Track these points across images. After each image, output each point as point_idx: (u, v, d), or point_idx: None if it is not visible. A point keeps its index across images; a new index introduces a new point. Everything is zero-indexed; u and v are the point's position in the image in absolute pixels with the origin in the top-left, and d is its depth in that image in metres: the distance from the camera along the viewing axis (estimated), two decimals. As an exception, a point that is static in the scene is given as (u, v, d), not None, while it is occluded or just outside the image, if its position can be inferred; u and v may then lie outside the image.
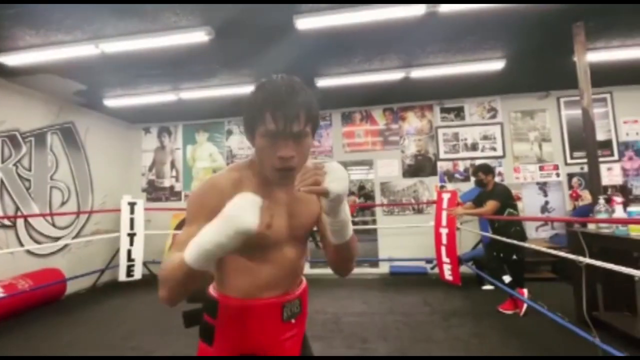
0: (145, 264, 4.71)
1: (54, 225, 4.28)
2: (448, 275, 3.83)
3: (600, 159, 4.64)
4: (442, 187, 4.91)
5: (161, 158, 5.64)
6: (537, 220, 4.70)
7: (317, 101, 0.74)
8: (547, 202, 4.72)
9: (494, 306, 3.17)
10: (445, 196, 3.94)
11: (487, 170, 3.29)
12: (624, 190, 4.48)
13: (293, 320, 0.82)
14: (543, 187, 4.74)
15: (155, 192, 5.59)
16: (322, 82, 3.96)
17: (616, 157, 4.64)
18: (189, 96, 4.29)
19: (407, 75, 3.89)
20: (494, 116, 4.93)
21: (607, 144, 4.67)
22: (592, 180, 3.02)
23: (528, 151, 4.82)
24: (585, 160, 4.69)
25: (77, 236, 4.55)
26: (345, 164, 4.99)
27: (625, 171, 4.61)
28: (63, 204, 4.43)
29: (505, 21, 2.88)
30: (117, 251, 4.65)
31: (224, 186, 0.73)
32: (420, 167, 5.04)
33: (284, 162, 0.69)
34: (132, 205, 4.46)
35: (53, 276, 3.85)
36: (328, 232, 0.74)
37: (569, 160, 4.72)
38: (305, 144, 0.71)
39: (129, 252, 4.39)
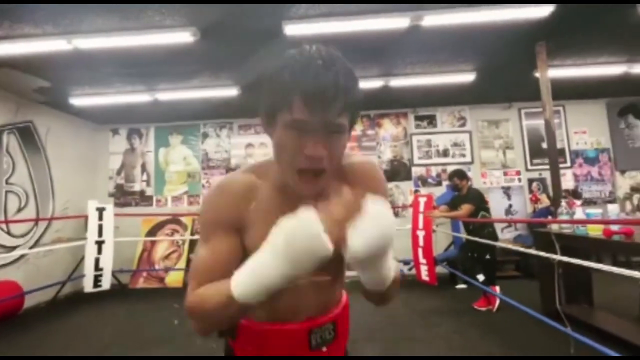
0: (113, 273, 4.43)
1: (9, 233, 3.91)
2: (425, 275, 3.99)
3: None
4: (416, 191, 5.12)
5: (131, 161, 5.36)
6: (513, 222, 5.04)
7: (359, 84, 0.58)
8: (510, 205, 5.08)
9: (468, 304, 3.36)
10: (422, 200, 4.12)
11: (462, 175, 3.50)
12: (575, 194, 4.94)
13: (324, 349, 0.68)
14: (507, 191, 5.10)
15: (123, 196, 5.29)
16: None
17: (568, 164, 5.11)
18: (165, 97, 4.14)
19: (387, 84, 4.05)
20: (463, 125, 5.25)
21: (561, 152, 5.13)
22: (553, 185, 3.31)
23: (494, 158, 5.18)
24: (542, 167, 5.14)
25: (35, 245, 4.18)
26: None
27: (576, 177, 5.09)
28: (20, 210, 4.06)
29: (478, 37, 3.10)
30: (81, 260, 4.34)
31: (236, 192, 0.63)
32: (396, 172, 5.23)
33: (311, 162, 0.54)
34: (100, 210, 4.19)
35: (8, 289, 3.51)
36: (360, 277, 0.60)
37: (529, 167, 5.14)
38: (340, 141, 0.56)
39: (97, 260, 4.10)
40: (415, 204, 4.21)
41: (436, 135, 5.23)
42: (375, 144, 5.27)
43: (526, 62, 3.73)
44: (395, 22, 2.69)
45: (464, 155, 5.19)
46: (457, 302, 3.50)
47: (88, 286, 4.07)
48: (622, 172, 5.06)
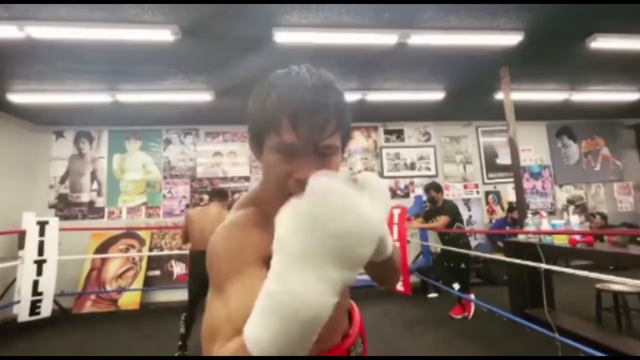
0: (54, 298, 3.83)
1: None
2: (399, 286, 4.06)
3: (506, 180, 5.62)
4: (386, 202, 5.25)
5: (78, 168, 4.75)
6: (487, 233, 5.34)
7: (349, 104, 0.55)
8: (470, 216, 5.44)
9: (444, 312, 3.48)
10: (396, 212, 4.23)
11: (438, 188, 3.66)
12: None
13: None
14: (467, 203, 5.46)
15: (68, 208, 4.65)
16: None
17: (518, 178, 5.64)
18: (127, 99, 3.77)
19: (364, 98, 4.14)
20: (428, 140, 5.55)
21: (511, 168, 5.67)
22: (518, 197, 3.61)
23: (455, 171, 5.53)
24: (497, 181, 5.61)
25: (-49, 267, 3.46)
26: (297, 180, 4.96)
27: (524, 191, 5.63)
28: None
29: (452, 59, 3.30)
30: (12, 283, 3.69)
31: (252, 222, 0.55)
32: (367, 183, 5.32)
33: (302, 187, 0.45)
34: (42, 224, 3.61)
35: None
36: None
37: (485, 180, 5.57)
38: (333, 162, 0.53)
39: (36, 283, 3.51)
40: (390, 216, 4.30)
41: (404, 149, 5.45)
42: (347, 155, 5.33)
43: (489, 85, 4.08)
44: (384, 38, 2.77)
45: (429, 169, 5.47)
46: (434, 311, 3.60)
47: (23, 314, 3.44)
48: (560, 186, 5.72)
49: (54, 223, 3.74)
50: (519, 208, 3.60)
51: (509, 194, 5.57)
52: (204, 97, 3.81)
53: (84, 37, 2.51)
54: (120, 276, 4.43)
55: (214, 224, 3.00)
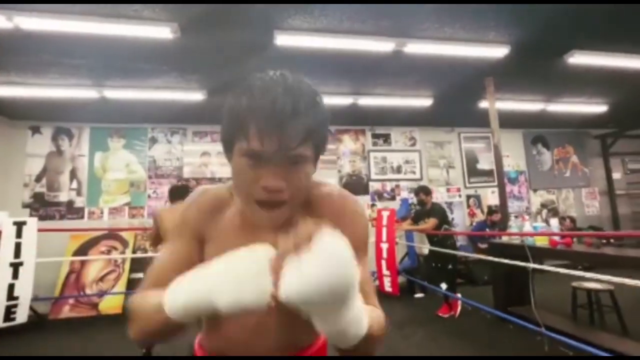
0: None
1: None
2: (388, 287, 4.16)
3: (486, 184, 5.89)
4: (372, 205, 5.36)
5: (56, 166, 4.53)
6: (475, 235, 5.51)
7: (327, 113, 0.54)
8: (452, 219, 5.64)
9: (431, 311, 3.60)
10: (385, 214, 4.33)
11: (427, 191, 3.80)
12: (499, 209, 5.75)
13: None
14: (450, 206, 5.67)
15: (44, 207, 4.42)
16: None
17: (497, 183, 5.93)
18: (115, 95, 3.65)
19: (355, 102, 4.22)
20: (413, 144, 5.72)
21: (491, 173, 5.95)
22: (501, 201, 3.80)
23: (439, 175, 5.73)
24: (478, 185, 5.86)
25: None
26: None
27: (502, 194, 5.92)
28: None
29: (441, 67, 3.43)
30: (-17, 288, 3.46)
31: (204, 204, 0.62)
32: (355, 186, 5.41)
33: (268, 194, 0.50)
34: (19, 225, 3.42)
35: None
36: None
37: (467, 184, 5.81)
38: (302, 171, 0.52)
39: (11, 287, 3.31)
40: (378, 218, 4.40)
41: (391, 153, 5.59)
42: (336, 158, 5.40)
43: (473, 93, 4.28)
44: (381, 45, 2.85)
45: (414, 173, 5.63)
46: (422, 311, 3.72)
47: (-3, 320, 3.24)
48: (535, 190, 6.07)
49: (32, 223, 3.55)
50: (502, 211, 3.79)
51: (489, 198, 5.85)
52: (195, 96, 3.76)
53: (80, 30, 2.42)
54: (101, 279, 4.26)
55: None
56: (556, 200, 6.11)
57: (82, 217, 4.50)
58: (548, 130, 6.18)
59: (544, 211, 6.02)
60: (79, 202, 4.53)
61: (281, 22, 2.55)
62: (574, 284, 3.10)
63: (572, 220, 5.73)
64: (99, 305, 4.12)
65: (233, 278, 0.42)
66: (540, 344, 2.65)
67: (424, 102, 4.36)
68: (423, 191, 3.77)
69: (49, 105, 3.96)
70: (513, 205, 5.91)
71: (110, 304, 4.14)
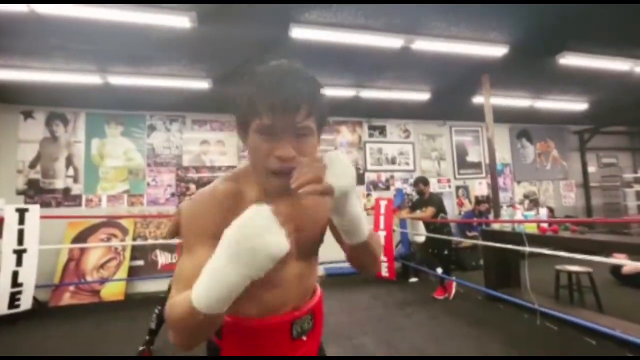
0: (32, 289, 3.59)
1: None
2: (385, 272, 4.38)
3: (475, 176, 6.20)
4: (368, 195, 5.55)
5: (51, 152, 4.42)
6: (470, 222, 5.81)
7: (324, 93, 0.64)
8: (442, 208, 5.93)
9: (427, 294, 3.85)
10: (382, 203, 4.52)
11: (426, 182, 4.00)
12: (488, 199, 6.07)
13: (304, 337, 0.74)
14: (441, 196, 5.93)
15: (39, 195, 4.33)
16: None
17: (484, 174, 6.25)
18: (119, 82, 3.60)
19: (357, 94, 4.34)
20: (407, 137, 5.92)
21: (479, 165, 6.26)
22: (493, 192, 4.06)
23: (431, 167, 5.98)
24: (466, 177, 6.15)
25: None
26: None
27: (489, 185, 6.25)
28: None
29: (441, 64, 3.59)
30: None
31: (220, 201, 0.63)
32: (351, 176, 5.56)
33: (282, 163, 0.58)
34: (22, 212, 3.37)
35: None
36: (340, 232, 0.64)
37: (457, 176, 6.09)
38: (309, 142, 0.61)
39: (15, 274, 3.28)
40: (376, 207, 4.59)
41: (386, 145, 5.77)
42: (334, 148, 5.52)
43: (469, 89, 4.48)
44: (391, 41, 2.97)
45: (407, 164, 5.85)
46: (418, 293, 3.97)
47: (1, 307, 3.22)
48: (518, 182, 6.44)
49: (34, 210, 3.51)
50: (494, 201, 4.05)
51: (477, 189, 6.16)
52: (201, 84, 3.76)
53: (99, 17, 2.40)
54: (101, 266, 4.25)
55: None
56: (537, 192, 6.52)
57: (80, 205, 4.44)
58: (532, 125, 6.53)
59: (526, 201, 6.40)
60: (76, 189, 4.46)
61: (298, 16, 2.61)
62: (557, 267, 3.41)
63: (551, 210, 6.13)
64: (101, 292, 4.13)
65: (247, 242, 0.46)
66: (528, 320, 2.94)
67: (422, 96, 4.54)
68: (422, 182, 3.97)
69: (42, 90, 3.84)
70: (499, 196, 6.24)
71: (112, 291, 4.16)
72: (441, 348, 2.51)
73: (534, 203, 6.36)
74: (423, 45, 3.07)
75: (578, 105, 5.29)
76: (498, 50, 3.25)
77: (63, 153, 4.46)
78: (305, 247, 0.72)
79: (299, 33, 2.75)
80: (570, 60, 3.49)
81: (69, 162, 4.47)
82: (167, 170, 4.78)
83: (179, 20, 2.49)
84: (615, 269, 3.90)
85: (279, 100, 0.56)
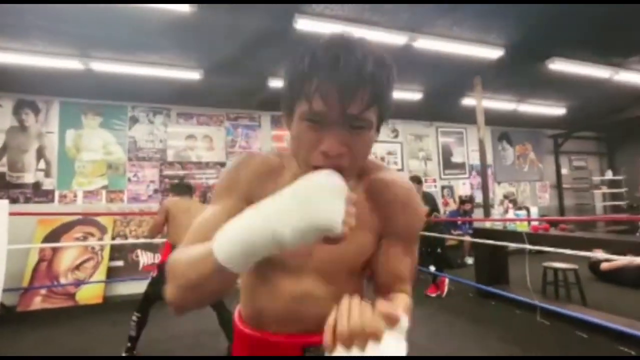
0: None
1: None
2: (376, 270, 4.38)
3: (459, 176, 6.35)
4: (357, 193, 5.54)
5: (19, 143, 4.04)
6: (465, 221, 5.81)
7: (394, 74, 0.52)
8: (428, 208, 6.04)
9: (420, 291, 3.87)
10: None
11: (419, 181, 4.03)
12: (471, 199, 6.25)
13: None
14: (427, 195, 6.04)
15: (6, 189, 3.94)
16: (274, 83, 3.87)
17: (467, 175, 6.43)
18: (102, 68, 3.34)
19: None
20: (396, 136, 5.97)
21: (462, 165, 6.43)
22: (483, 192, 4.16)
23: (418, 167, 6.07)
24: (451, 177, 6.29)
25: None
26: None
27: (472, 185, 6.45)
28: None
29: (438, 64, 3.63)
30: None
31: (258, 167, 0.61)
32: (340, 174, 5.53)
33: (327, 159, 0.48)
34: (-12, 208, 3.03)
35: None
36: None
37: (442, 176, 6.22)
38: (364, 137, 0.50)
39: (-20, 277, 2.95)
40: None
41: (375, 144, 5.74)
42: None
43: (459, 90, 4.58)
44: (395, 38, 2.96)
45: (396, 163, 5.90)
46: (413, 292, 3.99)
47: (-37, 314, 2.89)
48: (499, 183, 6.68)
49: (2, 206, 3.18)
50: (484, 201, 4.16)
51: (461, 189, 6.33)
52: (191, 75, 3.57)
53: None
54: (77, 267, 3.94)
55: None
56: (516, 192, 6.79)
57: (52, 201, 4.09)
58: (512, 129, 6.80)
59: (506, 201, 6.66)
60: (48, 184, 4.11)
61: (305, 7, 2.53)
62: (545, 264, 3.54)
63: (528, 210, 6.41)
64: (76, 295, 3.83)
65: (304, 195, 0.40)
66: (522, 316, 3.03)
67: (415, 96, 4.58)
68: (416, 181, 3.99)
69: (11, 74, 3.49)
70: (480, 196, 6.45)
71: (88, 294, 3.87)
72: (443, 346, 2.52)
73: (513, 203, 6.62)
74: (425, 44, 3.08)
75: (557, 110, 5.56)
76: (494, 53, 3.33)
77: (33, 144, 4.09)
78: (326, 267, 0.60)
79: (304, 24, 2.67)
80: (558, 65, 3.64)
81: (40, 154, 4.11)
82: (150, 165, 4.51)
83: (179, 5, 2.33)
84: (593, 265, 4.12)
85: (335, 82, 0.45)
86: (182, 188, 2.73)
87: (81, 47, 3.03)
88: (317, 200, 0.39)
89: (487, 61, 3.53)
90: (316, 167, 0.48)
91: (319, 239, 0.41)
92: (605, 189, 7.18)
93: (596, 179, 7.18)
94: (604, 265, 3.90)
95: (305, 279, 0.61)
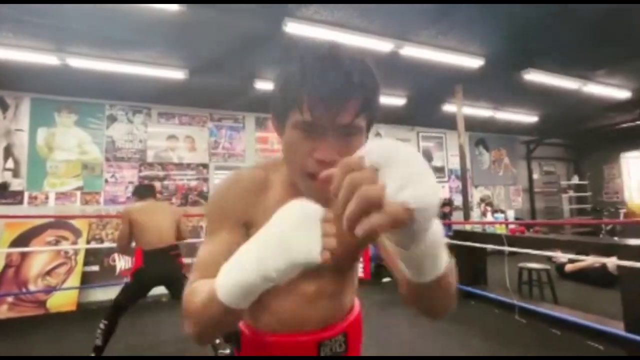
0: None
1: None
2: (360, 272, 4.43)
3: (439, 180, 6.54)
4: (341, 196, 5.59)
5: (-14, 141, 3.79)
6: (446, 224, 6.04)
7: (379, 80, 0.52)
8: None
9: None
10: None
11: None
12: (450, 202, 6.45)
13: None
14: (408, 198, 6.17)
15: (-31, 190, 3.68)
16: (260, 85, 3.84)
17: (447, 178, 6.64)
18: (81, 65, 3.19)
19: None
20: (379, 140, 6.06)
21: (442, 169, 6.63)
22: (463, 195, 4.30)
23: (400, 170, 6.19)
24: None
25: None
26: (259, 170, 4.89)
27: (451, 189, 6.66)
28: None
29: (422, 71, 3.73)
30: None
31: (245, 186, 0.61)
32: (324, 177, 5.56)
33: (321, 167, 0.47)
34: (-50, 210, 2.82)
35: None
36: (404, 265, 0.42)
37: (423, 179, 6.38)
38: (356, 142, 0.51)
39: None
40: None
41: (359, 147, 5.85)
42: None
43: (441, 97, 4.73)
44: (382, 45, 3.01)
45: (379, 166, 5.99)
46: (393, 292, 4.05)
47: None
48: (476, 186, 6.93)
49: (-34, 208, 2.97)
50: (464, 204, 4.30)
51: (441, 192, 6.50)
52: (175, 74, 3.48)
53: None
54: (48, 273, 3.73)
55: (173, 215, 2.63)
56: (491, 195, 7.08)
57: (21, 203, 3.86)
58: (488, 134, 7.08)
59: (482, 204, 6.93)
60: (17, 184, 3.87)
61: (295, 10, 2.54)
62: (520, 264, 3.72)
63: (502, 212, 6.71)
64: (47, 302, 3.62)
65: (279, 238, 0.40)
66: (500, 315, 3.16)
67: (398, 101, 4.68)
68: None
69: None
70: (459, 199, 6.67)
71: (61, 301, 3.67)
72: (429, 345, 2.59)
73: (489, 206, 6.90)
74: (411, 51, 3.16)
75: (530, 117, 5.85)
76: (475, 62, 3.46)
77: (1, 142, 3.85)
78: (340, 262, 0.62)
79: (294, 28, 2.67)
80: (533, 76, 3.83)
81: (8, 153, 3.87)
82: (129, 165, 4.35)
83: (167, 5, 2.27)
84: (559, 266, 4.35)
85: (326, 92, 0.47)
86: (144, 191, 2.60)
87: (58, 42, 2.89)
88: (291, 238, 0.39)
89: (468, 70, 3.67)
90: (311, 174, 0.51)
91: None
92: (572, 193, 7.62)
93: (564, 183, 7.61)
94: (568, 267, 4.13)
95: (319, 277, 0.62)
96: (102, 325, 2.22)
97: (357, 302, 0.75)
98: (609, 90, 4.49)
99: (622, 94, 4.63)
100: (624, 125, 5.89)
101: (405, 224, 0.31)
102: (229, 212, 0.59)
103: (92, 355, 2.20)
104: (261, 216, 0.57)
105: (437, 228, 0.38)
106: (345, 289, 0.68)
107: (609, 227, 5.76)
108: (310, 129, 0.50)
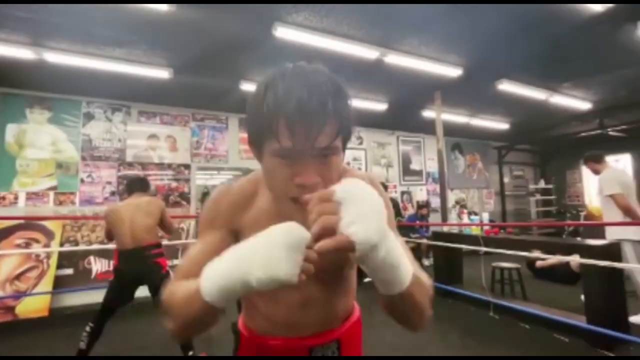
0: None
1: None
2: (343, 273, 4.52)
3: (417, 183, 6.76)
4: (323, 198, 5.66)
5: (-52, 137, 3.55)
6: (425, 225, 6.19)
7: (350, 99, 0.54)
8: (389, 212, 6.34)
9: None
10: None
11: (384, 186, 4.25)
12: (427, 204, 6.69)
13: None
14: (388, 200, 6.35)
15: None
16: (246, 86, 3.85)
17: (424, 181, 6.88)
18: (58, 60, 3.07)
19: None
20: (361, 143, 6.21)
21: (420, 173, 6.86)
22: (442, 198, 4.49)
23: (381, 173, 6.36)
24: (410, 183, 6.67)
25: None
26: (242, 171, 4.89)
27: (428, 191, 6.90)
28: None
29: (403, 78, 3.88)
30: None
31: (235, 196, 0.64)
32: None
33: (304, 191, 0.49)
34: None
35: None
36: (371, 278, 0.50)
37: (402, 182, 6.58)
38: (334, 162, 0.53)
39: None
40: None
41: (341, 150, 5.95)
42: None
43: (421, 103, 4.91)
44: (368, 52, 3.12)
45: (360, 169, 6.10)
46: (375, 292, 4.16)
47: None
48: (452, 189, 7.22)
49: None
50: (442, 206, 4.49)
51: (418, 195, 6.74)
52: (160, 73, 3.42)
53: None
54: (17, 277, 3.54)
55: (148, 216, 2.64)
56: (466, 198, 7.40)
57: (-12, 203, 3.65)
58: (464, 140, 7.41)
59: (457, 207, 7.22)
60: (-17, 184, 3.65)
61: (285, 16, 2.58)
62: (494, 264, 3.93)
63: (477, 214, 7.02)
64: (16, 308, 3.44)
65: (266, 252, 0.44)
66: (476, 312, 3.33)
67: (381, 106, 4.82)
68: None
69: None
70: (435, 201, 6.93)
71: (31, 307, 3.49)
72: (412, 343, 2.70)
73: (464, 208, 7.20)
74: (394, 59, 3.28)
75: (502, 125, 6.19)
76: (454, 71, 3.65)
77: (-35, 139, 3.62)
78: (330, 270, 0.64)
79: (283, 33, 2.72)
80: (505, 86, 4.08)
81: (-26, 150, 3.64)
82: (107, 165, 4.21)
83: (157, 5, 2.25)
84: (531, 264, 4.64)
85: (301, 119, 0.47)
86: (132, 185, 2.54)
87: (36, 36, 2.78)
88: (276, 258, 0.43)
89: (448, 78, 3.85)
90: (294, 198, 0.52)
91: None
92: (538, 196, 8.10)
93: (532, 187, 8.08)
94: (538, 263, 4.42)
95: (305, 287, 0.59)
96: (87, 328, 2.16)
97: (356, 308, 0.76)
98: (573, 101, 4.85)
99: (584, 105, 5.02)
100: (584, 134, 6.36)
101: (350, 251, 0.42)
102: (218, 219, 0.63)
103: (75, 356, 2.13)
104: (249, 226, 0.62)
105: (391, 253, 0.46)
106: (336, 297, 0.68)
107: (571, 229, 6.19)
108: (288, 155, 0.50)
